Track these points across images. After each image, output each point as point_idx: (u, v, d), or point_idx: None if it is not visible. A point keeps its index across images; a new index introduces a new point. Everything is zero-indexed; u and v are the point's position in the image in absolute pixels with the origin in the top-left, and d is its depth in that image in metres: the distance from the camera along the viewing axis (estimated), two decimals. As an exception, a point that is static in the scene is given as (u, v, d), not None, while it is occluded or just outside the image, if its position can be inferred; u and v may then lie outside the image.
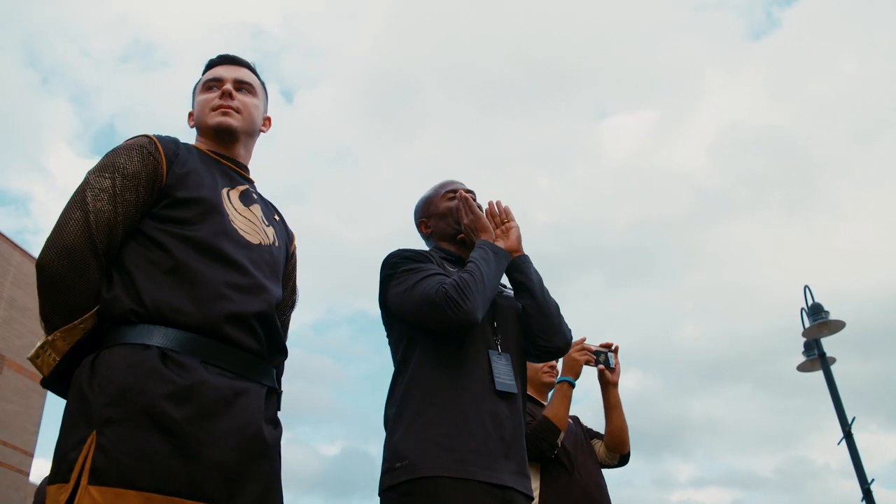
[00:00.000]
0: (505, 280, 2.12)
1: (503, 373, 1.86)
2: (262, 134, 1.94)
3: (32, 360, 1.50)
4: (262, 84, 1.95)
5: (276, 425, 1.60)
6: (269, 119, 1.97)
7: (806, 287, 7.96)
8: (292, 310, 1.90)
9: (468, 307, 1.77)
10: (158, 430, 1.34)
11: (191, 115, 1.90)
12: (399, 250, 2.01)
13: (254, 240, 1.67)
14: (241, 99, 1.83)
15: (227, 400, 1.44)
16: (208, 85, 1.85)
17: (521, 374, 1.95)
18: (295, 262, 1.92)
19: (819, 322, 7.74)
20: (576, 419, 3.10)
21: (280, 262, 1.77)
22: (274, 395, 1.63)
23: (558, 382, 2.81)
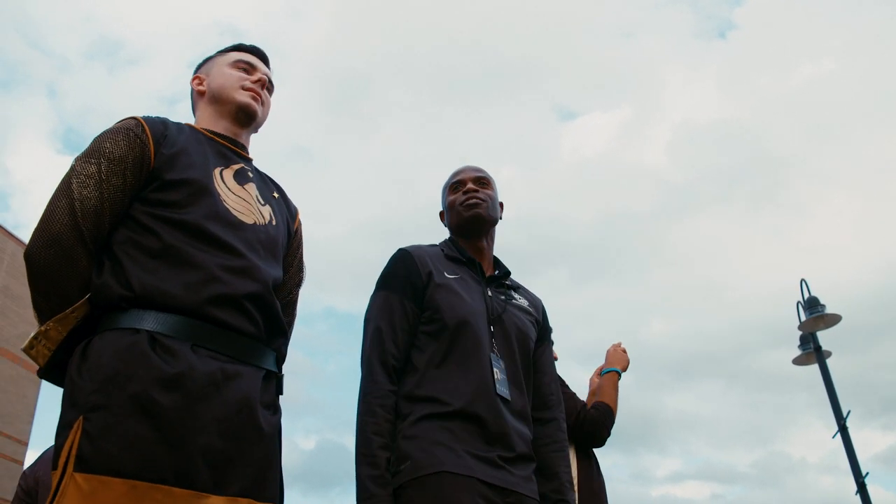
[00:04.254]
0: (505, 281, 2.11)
1: (500, 378, 1.84)
2: (269, 135, 1.94)
3: (27, 350, 1.49)
4: None
5: (275, 410, 1.58)
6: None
7: (802, 281, 7.98)
8: (299, 287, 1.87)
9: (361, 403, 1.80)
10: (144, 417, 1.32)
11: (198, 78, 1.86)
12: (390, 264, 2.01)
13: (247, 220, 1.64)
14: (265, 95, 1.86)
15: (216, 384, 1.41)
16: (240, 65, 1.84)
17: (516, 382, 1.89)
18: (300, 239, 1.89)
19: (815, 316, 7.76)
20: None
21: (278, 240, 1.73)
22: (273, 378, 1.60)
23: (607, 372, 2.98)
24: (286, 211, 1.84)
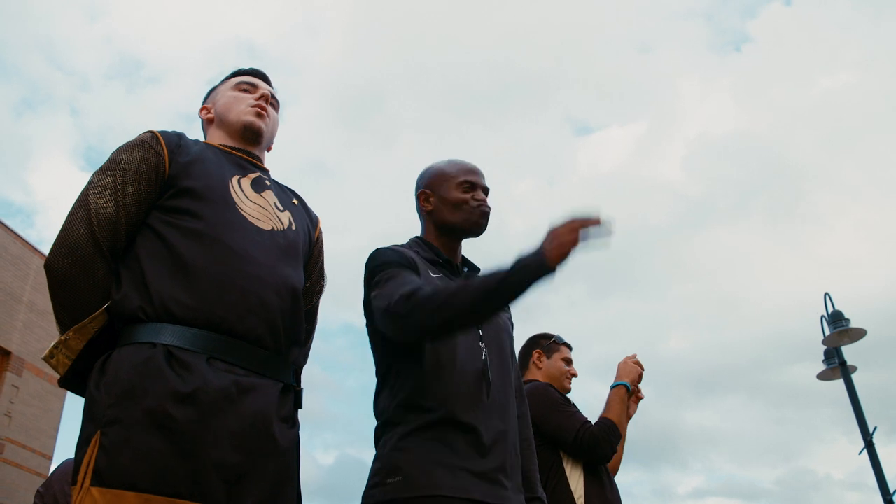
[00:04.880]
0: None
1: (495, 384, 1.77)
2: (284, 148, 1.94)
3: (47, 359, 1.52)
4: None
5: (293, 424, 1.57)
6: (272, 143, 1.98)
7: (826, 294, 7.85)
8: (320, 295, 1.88)
9: (408, 322, 1.60)
10: (159, 431, 1.33)
11: (205, 108, 1.91)
12: (380, 254, 1.84)
13: (265, 226, 1.64)
14: (270, 111, 1.89)
15: (231, 398, 1.41)
16: (242, 87, 1.88)
17: (506, 387, 1.82)
18: (321, 246, 1.90)
19: (839, 330, 7.62)
20: None
21: (299, 245, 1.73)
22: (291, 392, 1.59)
23: (615, 386, 2.86)
24: (307, 218, 1.85)
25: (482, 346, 1.82)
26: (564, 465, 2.68)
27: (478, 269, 2.02)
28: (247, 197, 1.67)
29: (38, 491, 3.50)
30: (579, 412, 2.81)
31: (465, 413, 1.68)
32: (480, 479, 1.62)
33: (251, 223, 1.62)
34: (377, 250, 1.87)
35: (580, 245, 1.52)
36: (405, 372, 1.75)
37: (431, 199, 2.00)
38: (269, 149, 1.93)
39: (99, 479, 1.29)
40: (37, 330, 15.74)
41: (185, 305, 1.46)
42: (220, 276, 1.50)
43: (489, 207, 1.98)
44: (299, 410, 1.64)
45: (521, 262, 1.53)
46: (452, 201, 1.96)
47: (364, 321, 1.89)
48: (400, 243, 1.97)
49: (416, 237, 2.03)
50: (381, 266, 1.78)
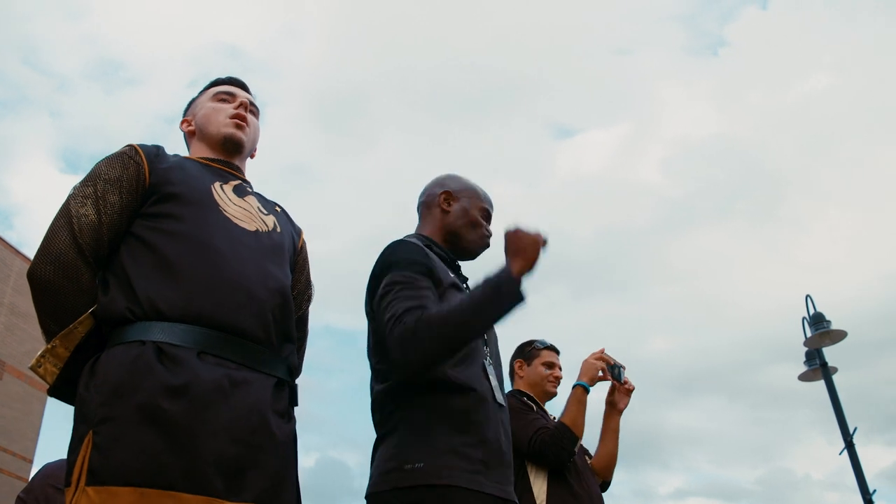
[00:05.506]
0: None
1: (495, 385, 1.82)
2: (266, 152, 1.96)
3: (34, 369, 1.51)
4: None
5: (289, 419, 1.57)
6: (255, 150, 1.96)
7: (808, 297, 7.94)
8: (309, 303, 1.88)
9: (408, 359, 1.61)
10: (151, 425, 1.32)
11: (186, 121, 1.91)
12: (403, 249, 1.83)
13: (250, 227, 1.66)
14: (250, 118, 1.87)
15: (223, 391, 1.41)
16: (220, 97, 1.88)
17: (502, 386, 1.91)
18: (306, 256, 1.90)
19: (821, 332, 7.72)
20: None
21: (285, 247, 1.74)
22: (285, 387, 1.59)
23: (574, 387, 2.80)
24: (290, 225, 1.85)
25: (486, 349, 1.90)
26: (528, 470, 2.66)
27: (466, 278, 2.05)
28: (230, 200, 1.68)
29: (19, 496, 3.43)
30: (541, 418, 2.78)
31: (486, 413, 1.73)
32: (493, 476, 1.68)
33: (236, 224, 1.63)
34: (397, 248, 1.85)
35: (540, 258, 1.67)
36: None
37: (453, 203, 2.05)
38: (252, 155, 1.93)
39: (94, 478, 1.28)
40: (18, 332, 15.58)
41: (172, 303, 1.46)
42: (207, 273, 1.50)
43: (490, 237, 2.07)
44: (295, 407, 1.64)
45: (498, 290, 1.65)
46: (472, 219, 2.03)
47: (362, 317, 1.89)
48: (410, 238, 1.97)
49: (424, 235, 2.04)
50: (403, 271, 1.77)
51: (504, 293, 1.65)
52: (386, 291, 1.74)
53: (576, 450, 2.69)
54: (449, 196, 2.06)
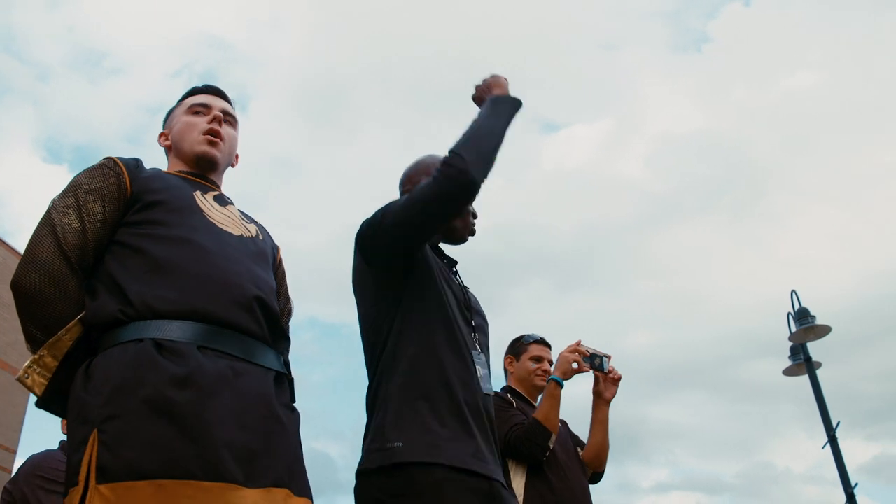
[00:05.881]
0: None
1: (482, 374, 1.84)
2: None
3: (22, 380, 1.47)
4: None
5: (293, 411, 1.58)
6: (237, 156, 1.95)
7: (793, 292, 8.02)
8: (289, 318, 1.87)
9: (463, 167, 1.67)
10: (161, 416, 1.30)
11: (163, 134, 1.90)
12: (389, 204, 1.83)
13: (234, 231, 1.66)
14: (226, 130, 1.84)
15: (228, 380, 1.41)
16: (195, 109, 1.85)
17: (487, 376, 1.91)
18: (283, 272, 1.90)
19: (805, 327, 7.79)
20: (564, 423, 3.08)
21: (267, 254, 1.75)
22: (284, 380, 1.60)
23: (548, 382, 2.79)
24: (270, 238, 1.86)
25: (475, 337, 1.91)
26: (509, 467, 2.65)
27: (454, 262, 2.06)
28: (213, 207, 1.68)
29: (5, 487, 3.42)
30: (519, 415, 2.79)
31: (461, 389, 1.74)
32: (473, 452, 1.69)
33: (221, 228, 1.63)
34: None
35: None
36: (408, 341, 1.77)
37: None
38: (233, 164, 1.92)
39: (105, 476, 1.25)
40: (1, 322, 15.45)
41: (167, 300, 1.45)
42: (199, 272, 1.50)
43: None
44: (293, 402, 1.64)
45: (495, 102, 1.85)
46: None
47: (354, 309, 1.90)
48: None
49: None
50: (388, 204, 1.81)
51: (502, 101, 1.85)
52: (386, 209, 1.79)
53: (550, 444, 2.68)
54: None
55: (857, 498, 7.16)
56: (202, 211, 1.64)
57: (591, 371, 2.89)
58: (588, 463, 2.96)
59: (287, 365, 1.67)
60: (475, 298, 2.09)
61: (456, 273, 2.04)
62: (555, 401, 2.72)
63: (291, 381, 1.65)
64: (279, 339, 1.63)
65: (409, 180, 2.10)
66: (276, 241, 1.91)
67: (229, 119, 1.87)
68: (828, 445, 7.53)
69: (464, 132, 1.76)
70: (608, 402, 2.93)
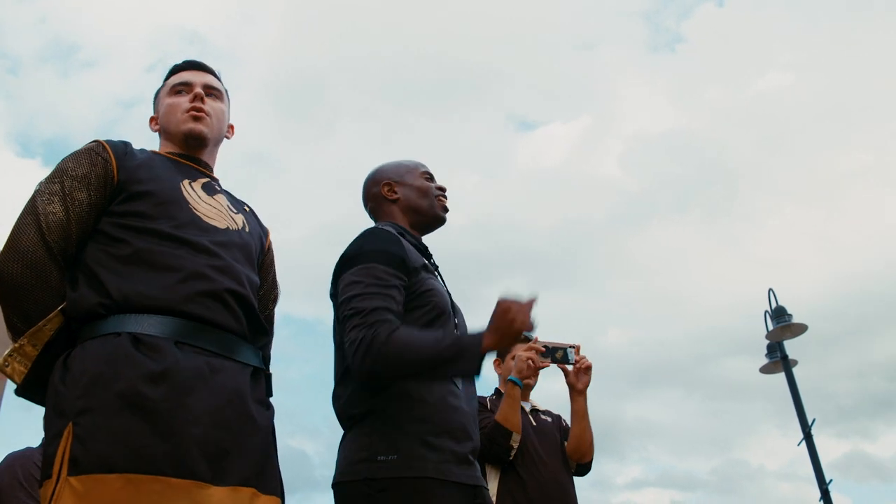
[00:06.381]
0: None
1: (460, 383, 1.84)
2: (225, 140, 1.90)
3: (1, 368, 1.48)
4: (226, 91, 1.92)
5: (268, 407, 1.58)
6: (232, 126, 1.93)
7: (770, 290, 8.07)
8: (275, 304, 1.86)
9: (368, 371, 1.63)
10: (134, 412, 1.31)
11: (153, 119, 1.87)
12: (379, 238, 1.82)
13: (220, 224, 1.65)
14: (211, 104, 1.81)
15: (203, 377, 1.41)
16: (177, 89, 1.81)
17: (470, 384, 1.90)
18: (272, 256, 1.89)
19: (782, 325, 7.85)
20: (558, 417, 3.10)
21: (253, 247, 1.73)
22: (261, 376, 1.59)
23: (506, 383, 2.81)
24: (258, 225, 1.84)
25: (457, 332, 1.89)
26: (485, 467, 2.66)
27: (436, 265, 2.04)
28: (200, 198, 1.66)
29: None
30: (490, 416, 2.78)
31: (447, 400, 1.75)
32: (462, 465, 1.71)
33: (206, 222, 1.61)
34: (368, 237, 1.83)
35: (525, 331, 1.66)
36: None
37: (396, 188, 2.04)
38: (228, 136, 1.90)
39: (76, 468, 1.27)
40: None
41: (146, 295, 1.45)
42: (179, 267, 1.49)
43: (446, 196, 2.09)
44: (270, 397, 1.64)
45: (461, 354, 1.63)
46: (418, 187, 2.04)
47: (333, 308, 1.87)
48: (385, 226, 1.95)
49: (392, 223, 2.01)
50: (367, 256, 1.76)
51: (464, 359, 1.64)
52: (355, 282, 1.73)
53: (514, 444, 2.70)
54: (390, 184, 2.06)
55: (831, 495, 7.21)
56: (188, 203, 1.61)
57: (553, 365, 2.85)
58: (570, 455, 2.95)
59: (266, 360, 1.67)
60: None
61: (437, 271, 2.01)
62: (513, 401, 2.74)
63: (269, 376, 1.65)
64: (258, 334, 1.63)
65: (380, 181, 2.09)
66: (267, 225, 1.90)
67: (214, 92, 1.84)
68: (803, 442, 7.58)
69: (416, 345, 1.63)
70: (582, 393, 2.89)
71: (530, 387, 3.04)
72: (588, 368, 2.88)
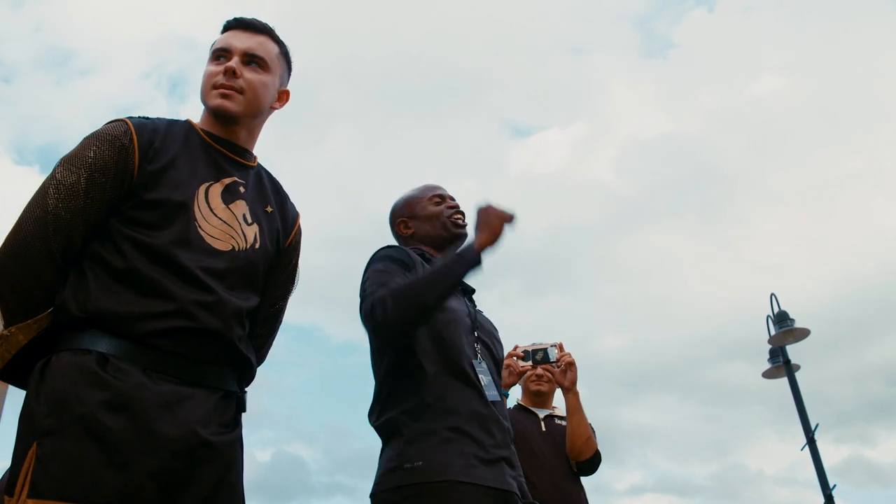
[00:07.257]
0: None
1: (486, 382, 1.89)
2: (275, 111, 1.78)
3: None
4: (284, 53, 1.78)
5: (233, 428, 1.52)
6: (286, 93, 1.80)
7: (772, 295, 8.06)
8: (286, 298, 1.79)
9: (383, 321, 1.76)
10: (92, 440, 1.30)
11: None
12: (384, 250, 2.01)
13: (224, 246, 1.56)
14: (247, 77, 1.66)
15: (168, 405, 1.38)
16: (217, 54, 1.69)
17: (497, 381, 1.99)
18: (296, 244, 1.80)
19: (785, 329, 7.83)
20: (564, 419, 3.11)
21: (258, 266, 1.64)
22: (233, 397, 1.54)
23: None
24: (279, 225, 1.74)
25: (477, 347, 1.98)
26: None
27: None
28: (212, 211, 1.58)
29: None
30: None
31: (468, 404, 1.82)
32: (490, 469, 1.76)
33: (208, 245, 1.54)
34: (381, 249, 2.02)
35: (504, 234, 1.87)
36: (419, 365, 1.85)
37: (410, 223, 2.19)
38: (275, 106, 1.77)
39: (35, 492, 1.27)
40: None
41: (123, 318, 1.41)
42: (166, 298, 1.45)
43: (462, 211, 2.19)
44: (243, 413, 1.59)
45: (460, 255, 1.86)
46: (428, 216, 2.17)
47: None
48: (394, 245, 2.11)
49: (416, 248, 2.14)
50: (379, 261, 1.95)
51: (464, 258, 1.84)
52: (363, 281, 1.91)
53: None
54: (405, 221, 2.21)
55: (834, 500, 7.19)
56: (195, 220, 1.53)
57: (534, 367, 2.88)
58: (568, 454, 2.96)
59: (243, 379, 1.61)
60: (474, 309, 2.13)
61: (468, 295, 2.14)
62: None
63: (242, 395, 1.59)
64: (236, 360, 1.56)
65: (395, 219, 2.25)
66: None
67: (256, 60, 1.69)
68: (806, 448, 7.56)
69: (417, 277, 1.83)
70: (570, 390, 2.91)
71: (542, 393, 3.10)
72: (570, 364, 2.90)
